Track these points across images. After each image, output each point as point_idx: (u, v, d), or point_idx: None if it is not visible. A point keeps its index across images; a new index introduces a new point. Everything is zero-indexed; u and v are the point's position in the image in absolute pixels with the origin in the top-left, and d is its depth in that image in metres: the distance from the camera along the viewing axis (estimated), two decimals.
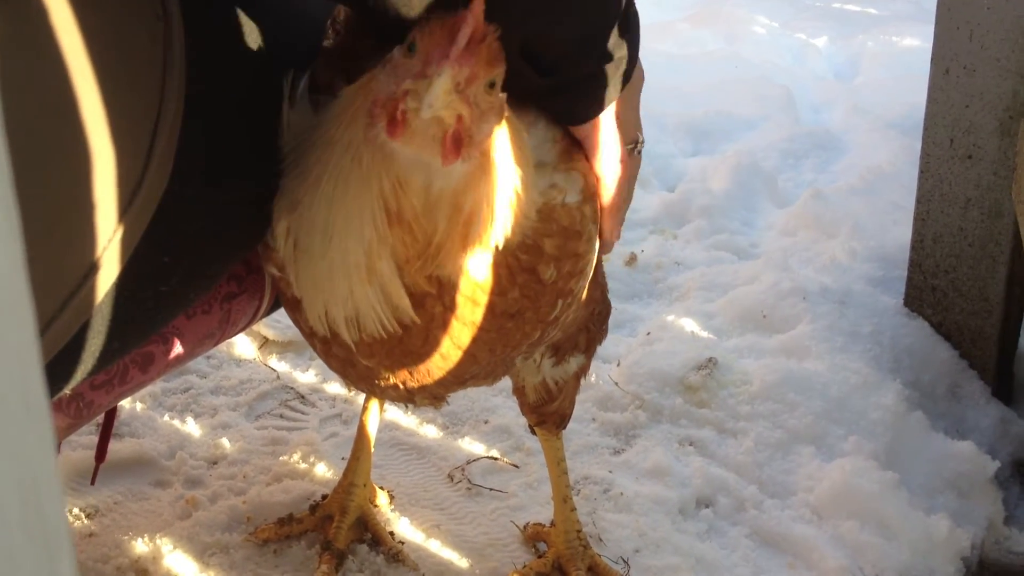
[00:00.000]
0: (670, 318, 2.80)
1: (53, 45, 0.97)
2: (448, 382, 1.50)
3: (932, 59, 2.53)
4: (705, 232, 3.41)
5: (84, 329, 1.15)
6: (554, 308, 1.41)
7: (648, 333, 2.70)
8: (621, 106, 1.43)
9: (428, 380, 1.44)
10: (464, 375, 1.48)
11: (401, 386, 1.47)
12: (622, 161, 1.45)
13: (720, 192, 3.66)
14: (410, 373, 1.42)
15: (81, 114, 1.01)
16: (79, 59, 0.99)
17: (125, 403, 2.30)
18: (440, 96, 1.07)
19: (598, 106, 1.37)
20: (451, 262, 1.25)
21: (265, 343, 2.62)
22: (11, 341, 0.43)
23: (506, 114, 1.22)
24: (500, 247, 1.27)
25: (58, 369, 1.16)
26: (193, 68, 1.18)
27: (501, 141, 1.21)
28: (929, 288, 2.70)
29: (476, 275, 1.29)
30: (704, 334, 2.72)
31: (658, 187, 3.88)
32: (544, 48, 1.25)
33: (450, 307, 1.30)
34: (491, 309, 1.33)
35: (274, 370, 2.50)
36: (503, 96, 1.18)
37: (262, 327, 2.63)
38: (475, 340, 1.36)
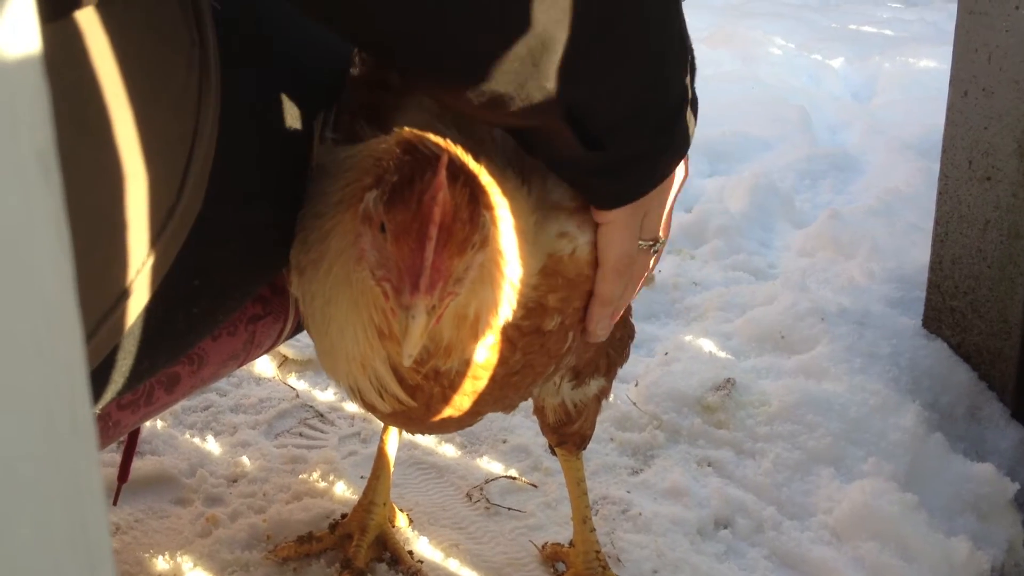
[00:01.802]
0: (688, 338, 2.80)
1: (90, 70, 0.98)
2: (454, 429, 1.53)
3: (951, 81, 2.54)
4: (723, 252, 3.41)
5: (114, 351, 1.17)
6: (565, 341, 1.39)
7: (666, 353, 2.70)
8: (651, 199, 1.32)
9: (431, 430, 1.47)
10: (470, 423, 1.50)
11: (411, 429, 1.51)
12: (628, 257, 1.34)
13: (737, 212, 3.67)
14: (416, 429, 1.44)
15: (117, 140, 1.02)
16: (115, 85, 1.01)
17: (146, 422, 2.32)
18: (416, 341, 1.06)
19: (636, 190, 1.28)
20: (459, 358, 1.26)
21: (284, 362, 2.63)
22: (60, 359, 0.44)
23: (502, 182, 1.18)
24: (502, 327, 1.25)
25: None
26: (226, 94, 1.19)
27: (497, 231, 1.17)
28: (948, 309, 2.70)
29: (477, 358, 1.28)
30: (722, 354, 2.72)
31: (675, 208, 3.89)
32: (593, 118, 1.17)
33: (448, 387, 1.30)
34: (492, 378, 1.33)
35: (293, 389, 2.52)
36: (487, 217, 1.12)
37: (281, 346, 2.64)
38: (478, 403, 1.37)
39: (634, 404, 2.47)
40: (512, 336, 1.30)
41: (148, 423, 2.30)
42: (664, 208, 1.37)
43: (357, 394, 1.33)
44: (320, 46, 1.47)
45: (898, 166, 4.18)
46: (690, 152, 4.30)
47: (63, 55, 0.97)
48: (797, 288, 2.94)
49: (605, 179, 1.27)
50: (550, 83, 1.10)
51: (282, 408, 2.43)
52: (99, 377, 1.17)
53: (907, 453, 2.33)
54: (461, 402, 1.34)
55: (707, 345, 2.76)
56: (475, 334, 1.23)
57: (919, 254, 2.98)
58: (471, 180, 1.11)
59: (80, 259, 1.03)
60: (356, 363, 1.26)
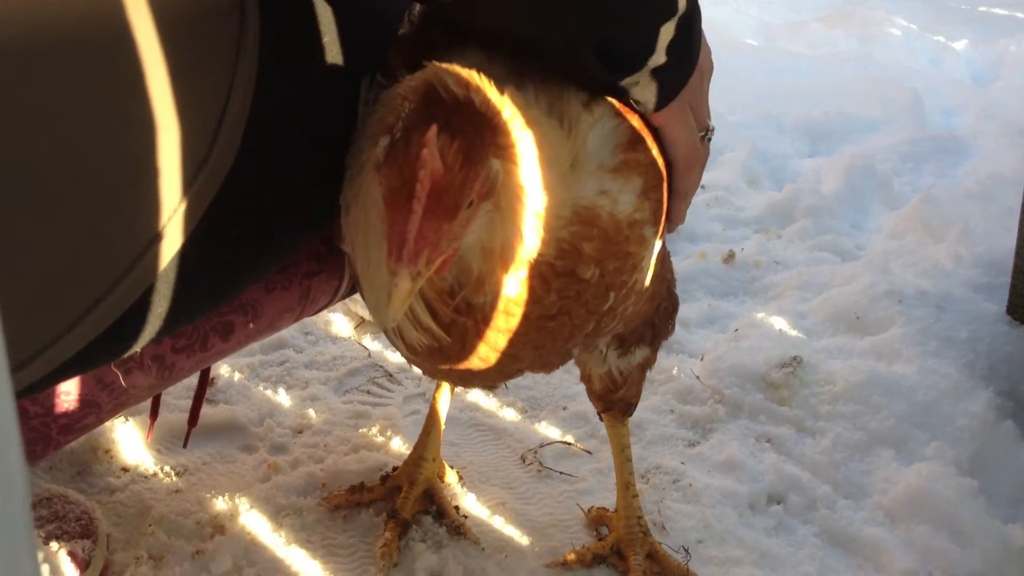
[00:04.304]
0: (760, 316, 2.79)
1: (127, 23, 1.06)
2: (495, 376, 1.55)
3: None
4: (809, 232, 3.37)
5: (149, 293, 1.24)
6: (606, 300, 1.40)
7: (736, 330, 2.69)
8: (692, 94, 1.45)
9: (473, 377, 1.50)
10: (509, 371, 1.51)
11: (452, 375, 1.53)
12: (695, 149, 1.47)
13: (829, 193, 3.61)
14: (454, 372, 1.47)
15: (151, 90, 1.09)
16: (151, 40, 1.08)
17: (223, 372, 2.43)
18: (399, 306, 1.10)
19: (671, 93, 1.40)
20: (491, 291, 1.28)
21: (361, 323, 2.72)
22: None
23: (531, 120, 1.20)
24: (533, 260, 1.27)
25: (125, 329, 1.24)
26: (266, 53, 1.25)
27: (517, 168, 1.19)
28: None
29: (508, 291, 1.30)
30: (793, 333, 2.70)
31: (769, 187, 3.85)
32: (615, 48, 1.29)
33: (482, 321, 1.32)
34: (527, 317, 1.34)
35: (366, 348, 2.60)
36: (496, 166, 1.15)
37: (358, 308, 2.73)
38: (514, 344, 1.38)
39: (697, 378, 2.48)
40: (546, 274, 1.31)
41: (225, 373, 2.42)
42: (705, 99, 1.52)
43: (399, 337, 1.37)
44: (368, 9, 1.52)
45: (1007, 151, 4.04)
46: (790, 132, 4.26)
47: (100, 8, 1.05)
48: (878, 270, 2.89)
49: (639, 90, 1.38)
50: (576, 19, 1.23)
51: (353, 366, 2.52)
52: (135, 317, 1.25)
53: (974, 439, 2.28)
54: (496, 339, 1.36)
55: (779, 323, 2.74)
56: (504, 264, 1.25)
57: (1011, 239, 2.88)
58: (475, 126, 1.12)
59: (112, 201, 1.12)
60: (388, 294, 1.30)
